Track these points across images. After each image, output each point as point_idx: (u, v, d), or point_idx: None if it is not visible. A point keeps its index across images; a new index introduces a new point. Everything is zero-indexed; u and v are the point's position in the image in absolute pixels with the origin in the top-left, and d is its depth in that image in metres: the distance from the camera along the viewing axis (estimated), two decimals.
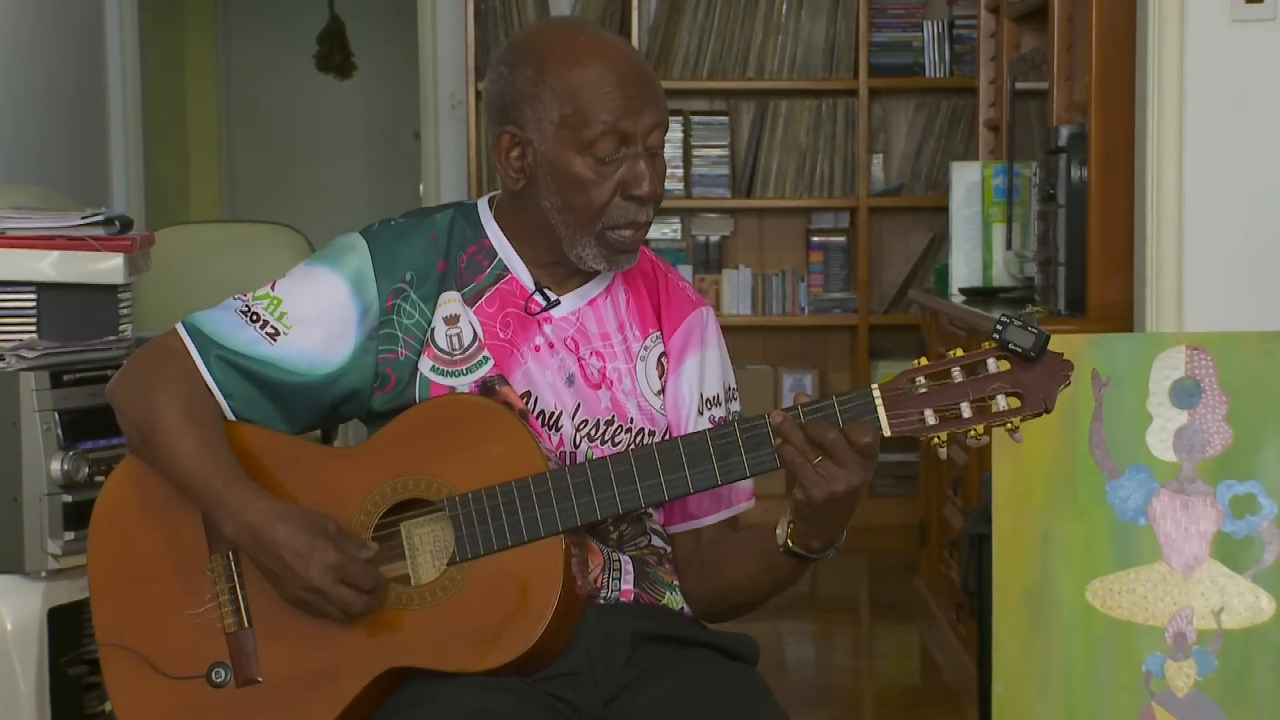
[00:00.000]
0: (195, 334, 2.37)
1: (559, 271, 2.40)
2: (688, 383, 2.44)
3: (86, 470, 3.32)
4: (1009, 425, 2.16)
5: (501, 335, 2.38)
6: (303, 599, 2.26)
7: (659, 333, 2.45)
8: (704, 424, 2.43)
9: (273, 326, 2.36)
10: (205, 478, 2.29)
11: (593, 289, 2.42)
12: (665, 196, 2.40)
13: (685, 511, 2.44)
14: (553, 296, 2.40)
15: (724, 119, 7.29)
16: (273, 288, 2.40)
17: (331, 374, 2.36)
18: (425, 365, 2.37)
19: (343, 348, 2.36)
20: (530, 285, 2.39)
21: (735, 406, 2.49)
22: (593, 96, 2.28)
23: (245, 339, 2.35)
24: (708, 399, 2.45)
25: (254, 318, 2.37)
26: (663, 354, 2.44)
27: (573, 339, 2.39)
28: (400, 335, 2.37)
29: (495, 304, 2.38)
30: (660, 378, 2.43)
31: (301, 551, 2.24)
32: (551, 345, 2.38)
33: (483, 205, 2.45)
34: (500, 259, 2.40)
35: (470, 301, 2.38)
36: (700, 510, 2.44)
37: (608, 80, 2.29)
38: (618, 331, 2.42)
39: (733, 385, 2.50)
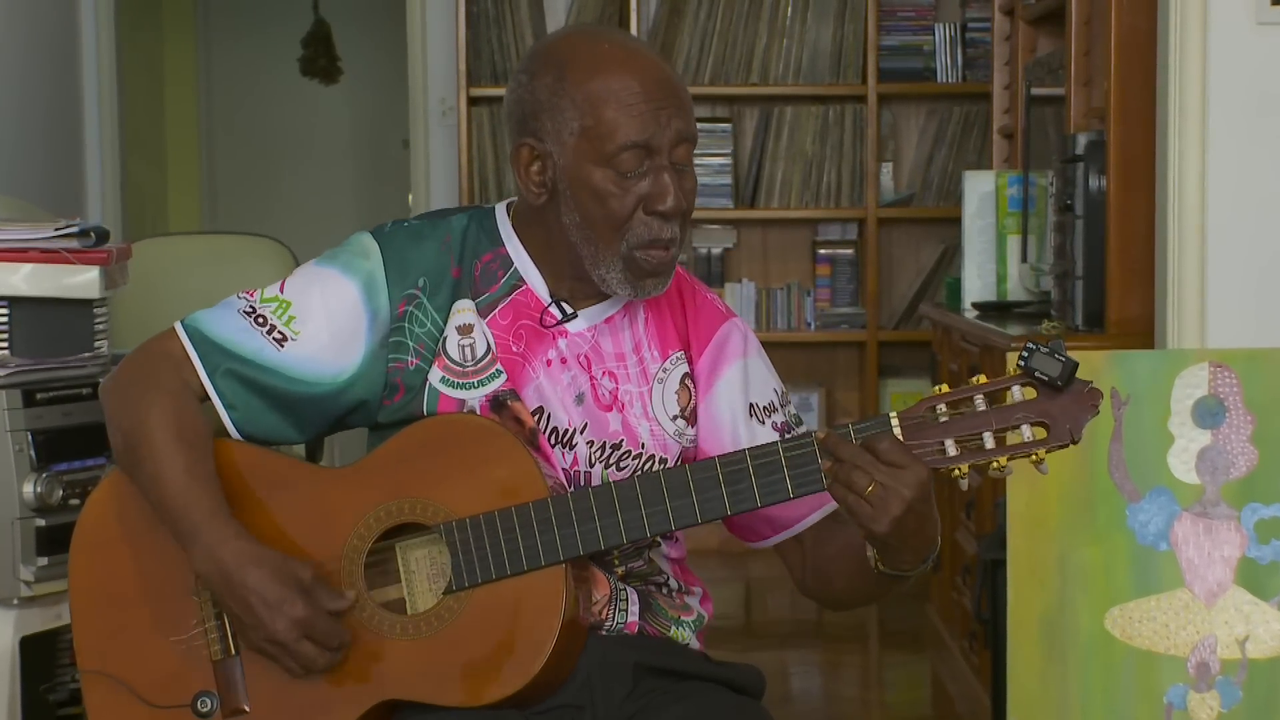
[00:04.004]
0: (198, 339, 2.36)
1: (579, 287, 2.38)
2: (727, 400, 2.42)
3: (61, 493, 3.32)
4: (1034, 457, 2.16)
5: (514, 348, 2.37)
6: (264, 650, 2.27)
7: (682, 353, 2.43)
8: (766, 433, 2.41)
9: (280, 332, 2.35)
10: (185, 506, 2.29)
11: (611, 306, 2.41)
12: None
13: (777, 522, 2.43)
14: (569, 310, 2.39)
15: (727, 126, 7.30)
16: (281, 289, 2.39)
17: (340, 384, 2.36)
18: (435, 376, 2.36)
19: (352, 356, 2.36)
20: (546, 298, 2.39)
21: (792, 410, 2.47)
22: (614, 107, 2.27)
23: (252, 346, 2.35)
24: (764, 407, 2.43)
25: (260, 321, 2.36)
26: (686, 375, 2.43)
27: (586, 356, 2.39)
28: (411, 344, 2.36)
29: (509, 316, 2.38)
30: (681, 401, 2.42)
31: (270, 601, 2.24)
32: (564, 360, 2.38)
33: (500, 212, 2.43)
34: (516, 269, 2.39)
35: (484, 312, 2.38)
36: (795, 514, 2.41)
37: (630, 90, 2.27)
38: (633, 352, 2.41)
39: (782, 390, 2.47)
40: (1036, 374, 2.15)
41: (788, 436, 2.42)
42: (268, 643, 2.26)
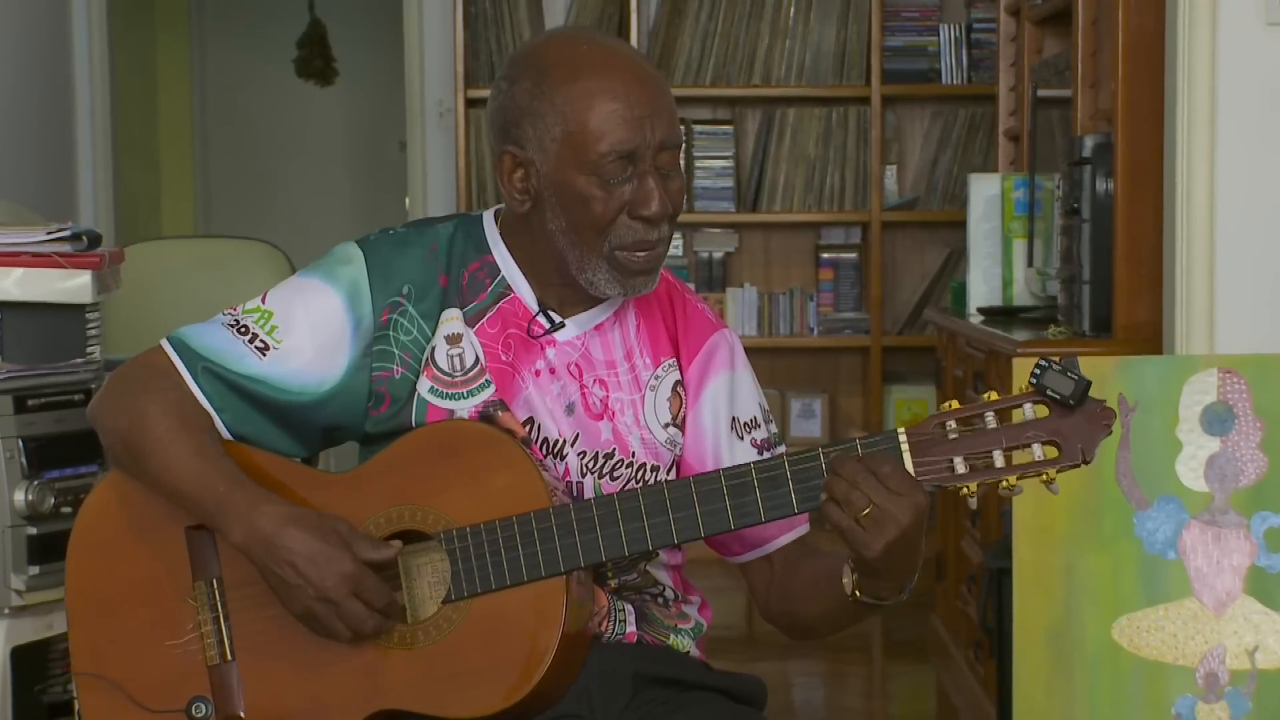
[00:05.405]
0: (181, 349, 2.37)
1: (567, 294, 2.38)
2: (710, 411, 2.43)
3: (52, 501, 3.32)
4: (1044, 476, 2.16)
5: (503, 358, 2.37)
6: (312, 610, 2.25)
7: (674, 360, 2.44)
8: (744, 448, 2.43)
9: (262, 340, 2.36)
10: (205, 484, 2.28)
11: (601, 313, 2.41)
12: None
13: (748, 540, 2.43)
14: (557, 319, 2.39)
15: (728, 128, 7.31)
16: (263, 300, 2.40)
17: (325, 392, 2.36)
18: (424, 386, 2.36)
19: (335, 364, 2.36)
20: (534, 306, 2.39)
21: (773, 428, 2.48)
22: (596, 114, 2.26)
23: (234, 354, 2.35)
24: (745, 422, 2.44)
25: (243, 330, 2.36)
26: (678, 383, 2.43)
27: (576, 365, 2.39)
28: (397, 352, 2.37)
29: (497, 325, 2.38)
30: (672, 409, 2.43)
31: (316, 558, 2.23)
32: (553, 370, 2.38)
33: (488, 219, 2.44)
34: (503, 277, 2.39)
35: (471, 322, 2.38)
36: (767, 534, 2.42)
37: (612, 95, 2.27)
38: (625, 360, 2.41)
39: (766, 406, 2.49)
40: (1048, 392, 2.14)
41: (767, 454, 2.43)
42: (318, 601, 2.24)
